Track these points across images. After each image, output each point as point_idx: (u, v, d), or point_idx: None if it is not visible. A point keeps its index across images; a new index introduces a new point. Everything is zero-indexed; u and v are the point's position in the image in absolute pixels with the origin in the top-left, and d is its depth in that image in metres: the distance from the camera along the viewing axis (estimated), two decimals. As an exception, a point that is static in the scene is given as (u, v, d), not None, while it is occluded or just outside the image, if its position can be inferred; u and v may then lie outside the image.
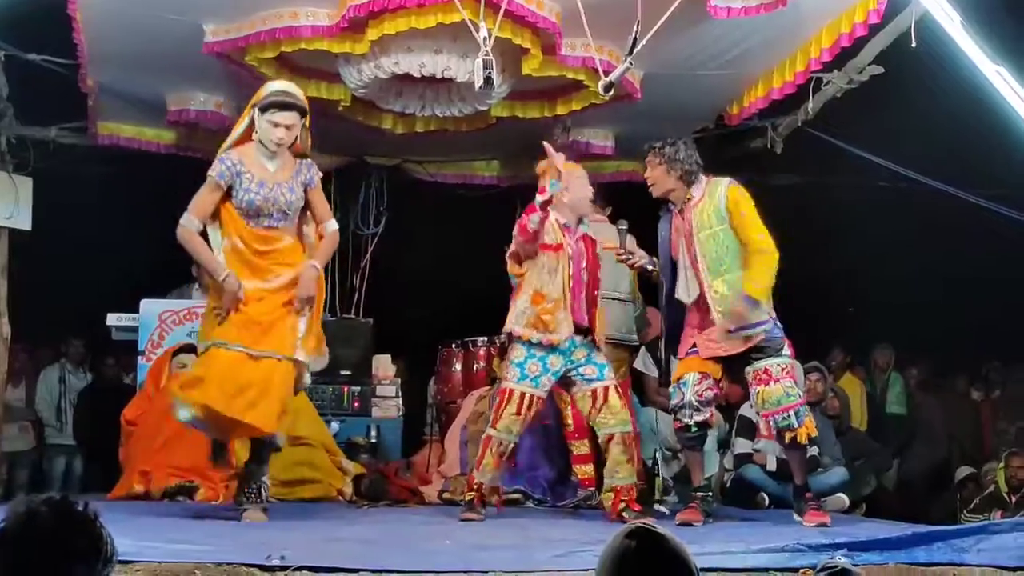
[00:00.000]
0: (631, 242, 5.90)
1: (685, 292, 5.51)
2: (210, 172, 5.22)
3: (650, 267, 5.75)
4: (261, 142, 5.23)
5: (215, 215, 5.25)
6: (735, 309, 5.29)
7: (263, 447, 5.32)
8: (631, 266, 5.85)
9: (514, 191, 7.95)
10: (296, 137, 5.25)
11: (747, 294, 5.28)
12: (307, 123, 5.34)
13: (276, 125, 5.16)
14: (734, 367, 5.52)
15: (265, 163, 5.23)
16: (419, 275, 8.95)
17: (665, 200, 5.65)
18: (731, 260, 5.38)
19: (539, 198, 5.44)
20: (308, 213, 5.42)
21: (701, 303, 5.46)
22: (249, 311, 5.12)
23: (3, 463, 7.98)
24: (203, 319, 5.52)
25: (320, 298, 5.43)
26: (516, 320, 5.55)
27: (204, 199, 5.20)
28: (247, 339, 5.08)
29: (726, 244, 5.37)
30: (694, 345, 5.49)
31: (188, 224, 5.17)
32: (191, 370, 5.39)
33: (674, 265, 5.58)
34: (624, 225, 5.86)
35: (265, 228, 5.25)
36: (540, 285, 5.53)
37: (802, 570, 3.90)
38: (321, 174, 5.44)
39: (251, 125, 5.26)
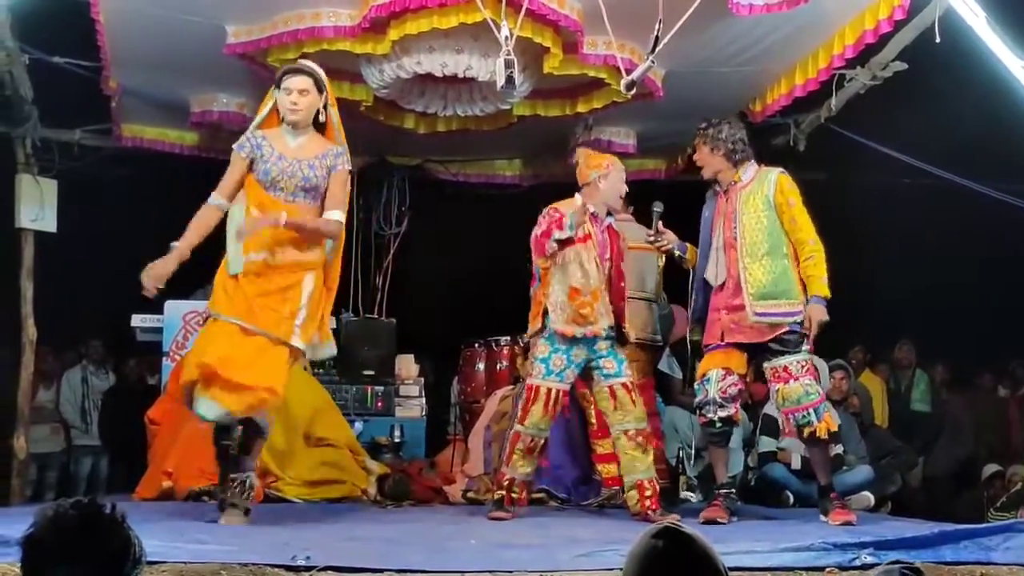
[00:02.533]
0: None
1: (713, 274, 5.55)
2: (233, 146, 5.20)
3: (678, 251, 5.76)
4: (284, 120, 5.14)
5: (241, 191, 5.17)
6: (817, 316, 5.29)
7: (251, 434, 5.14)
8: (660, 248, 5.85)
9: (536, 190, 7.95)
10: (318, 111, 5.12)
11: (818, 295, 5.31)
12: (331, 101, 5.23)
13: (289, 92, 5.06)
14: (757, 360, 5.52)
15: (288, 140, 5.14)
16: (442, 274, 8.96)
17: (710, 184, 5.67)
18: (769, 246, 5.42)
19: (559, 235, 5.44)
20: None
21: (728, 286, 5.48)
22: (244, 285, 4.99)
23: (31, 464, 8.02)
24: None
25: (332, 284, 5.30)
26: (556, 319, 5.54)
27: (228, 175, 5.15)
28: (242, 312, 4.96)
29: (768, 230, 5.43)
30: (721, 336, 5.50)
31: (210, 200, 5.12)
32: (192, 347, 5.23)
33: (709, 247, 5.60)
34: (659, 208, 5.82)
35: (283, 203, 5.09)
36: (574, 279, 5.54)
37: (828, 569, 3.89)
38: (351, 167, 5.28)
39: (275, 107, 5.19)
